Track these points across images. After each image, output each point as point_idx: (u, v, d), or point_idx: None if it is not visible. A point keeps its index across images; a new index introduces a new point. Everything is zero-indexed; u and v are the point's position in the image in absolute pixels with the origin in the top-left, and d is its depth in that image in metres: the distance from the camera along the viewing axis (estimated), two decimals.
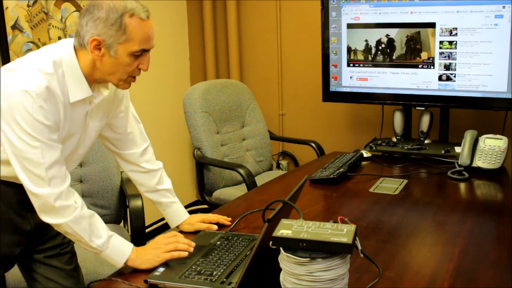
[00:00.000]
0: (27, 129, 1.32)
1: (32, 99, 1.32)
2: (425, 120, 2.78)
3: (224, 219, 1.78)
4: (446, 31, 2.61)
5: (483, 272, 1.40)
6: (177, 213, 1.78)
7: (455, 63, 2.62)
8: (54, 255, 1.69)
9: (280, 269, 1.17)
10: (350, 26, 2.85)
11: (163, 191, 1.76)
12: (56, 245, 1.69)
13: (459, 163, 2.34)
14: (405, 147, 2.68)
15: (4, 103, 1.32)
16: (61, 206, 1.39)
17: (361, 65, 2.86)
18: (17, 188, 1.45)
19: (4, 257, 1.55)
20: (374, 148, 2.71)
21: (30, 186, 1.37)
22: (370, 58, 2.83)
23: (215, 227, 1.74)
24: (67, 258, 1.72)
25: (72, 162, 1.58)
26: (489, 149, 2.33)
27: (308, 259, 1.10)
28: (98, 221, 1.47)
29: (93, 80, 1.46)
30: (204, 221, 1.76)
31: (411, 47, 2.72)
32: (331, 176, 2.22)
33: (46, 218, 1.41)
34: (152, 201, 1.79)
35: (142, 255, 1.47)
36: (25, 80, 1.33)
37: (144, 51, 1.43)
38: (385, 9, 2.75)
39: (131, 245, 1.50)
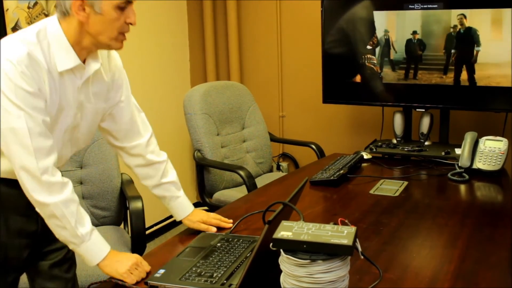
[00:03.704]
0: (10, 97, 1.31)
1: (13, 66, 1.30)
2: (425, 121, 2.78)
3: (226, 222, 1.77)
4: None
5: (483, 274, 1.40)
6: (181, 207, 1.77)
7: None
8: (58, 263, 1.67)
9: (281, 271, 1.17)
10: None
11: (167, 184, 1.74)
12: (61, 247, 1.67)
13: (459, 164, 2.34)
14: (405, 149, 2.68)
15: None
16: (48, 181, 1.36)
17: None
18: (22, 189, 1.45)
19: (14, 260, 1.54)
20: (374, 150, 2.71)
21: (16, 160, 1.35)
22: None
23: (214, 229, 1.73)
24: (67, 266, 1.70)
25: (70, 145, 1.55)
26: (489, 151, 2.33)
27: (309, 260, 1.10)
28: (84, 211, 1.45)
29: (82, 48, 1.42)
30: (205, 222, 1.75)
31: None
32: (331, 178, 2.22)
33: (35, 196, 1.37)
34: (156, 196, 1.77)
35: (115, 262, 1.43)
36: (6, 50, 1.33)
37: (128, 3, 1.40)
38: None
39: (109, 247, 1.47)
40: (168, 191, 1.75)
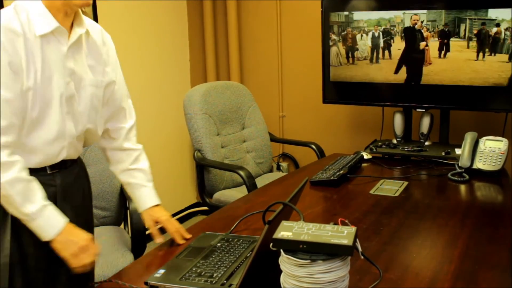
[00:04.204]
0: None
1: None
2: (425, 122, 2.78)
3: (181, 237, 1.66)
4: None
5: (483, 274, 1.40)
6: (145, 197, 1.72)
7: None
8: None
9: (281, 271, 1.17)
10: None
11: (136, 171, 1.72)
12: None
13: (460, 165, 2.34)
14: (406, 149, 2.68)
15: None
16: None
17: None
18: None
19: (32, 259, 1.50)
20: (375, 150, 2.71)
21: None
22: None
23: (159, 240, 1.67)
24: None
25: (72, 120, 1.51)
26: (489, 151, 2.33)
27: (309, 261, 1.10)
28: (36, 188, 1.42)
29: (58, 11, 1.41)
30: (164, 225, 1.68)
31: None
32: (332, 178, 2.22)
33: None
34: (122, 183, 1.75)
35: (68, 243, 1.42)
36: None
37: None
38: None
39: (63, 222, 1.44)
40: (135, 178, 1.72)
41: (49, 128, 1.45)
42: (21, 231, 1.46)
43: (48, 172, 1.51)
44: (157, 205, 1.74)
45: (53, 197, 1.51)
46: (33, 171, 1.44)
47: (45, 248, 1.46)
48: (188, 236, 1.69)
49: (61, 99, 1.46)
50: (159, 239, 1.68)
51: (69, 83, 1.48)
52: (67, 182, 1.57)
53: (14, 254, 1.46)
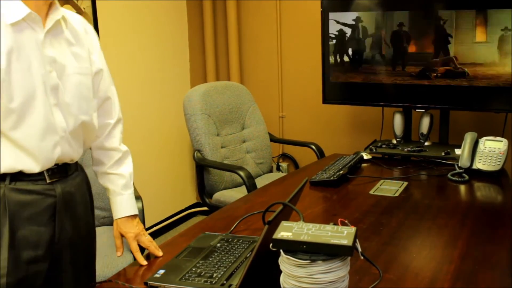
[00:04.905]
0: None
1: None
2: (425, 122, 2.78)
3: (142, 258, 1.55)
4: None
5: (483, 274, 1.40)
6: (120, 205, 1.61)
7: None
8: (81, 268, 1.57)
9: (280, 271, 1.17)
10: None
11: (114, 176, 1.63)
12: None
13: (459, 165, 2.34)
14: (405, 149, 2.68)
15: None
16: None
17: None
18: (30, 194, 1.39)
19: (32, 277, 1.42)
20: (374, 150, 2.71)
21: None
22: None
23: (119, 253, 1.61)
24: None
25: (61, 112, 1.43)
26: (489, 151, 2.33)
27: (308, 261, 1.10)
28: None
29: None
30: (138, 239, 1.60)
31: None
32: (331, 178, 2.22)
33: None
34: (102, 186, 1.66)
35: None
36: None
37: None
38: None
39: None
40: (112, 184, 1.63)
41: (36, 120, 1.36)
42: (19, 247, 1.38)
43: (48, 181, 1.43)
44: (131, 216, 1.62)
45: (51, 208, 1.44)
46: (31, 180, 1.39)
47: (43, 263, 1.42)
48: (159, 254, 1.57)
49: (46, 89, 1.38)
50: (119, 253, 1.61)
51: (51, 72, 1.40)
52: (68, 192, 1.48)
53: (10, 272, 1.37)
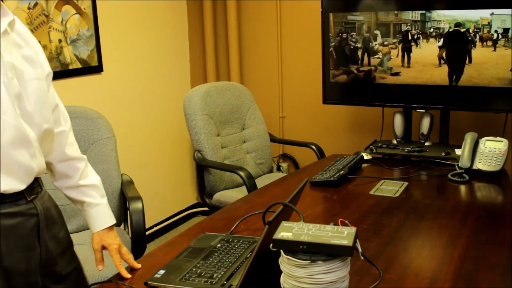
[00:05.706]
0: None
1: None
2: (426, 122, 2.78)
3: (126, 272, 1.47)
4: None
5: (483, 274, 1.40)
6: (99, 217, 1.55)
7: None
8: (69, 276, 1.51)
9: (281, 272, 1.17)
10: None
11: (86, 187, 1.53)
12: (70, 260, 1.52)
13: (460, 165, 2.34)
14: (406, 150, 2.68)
15: None
16: None
17: None
18: (20, 216, 1.31)
19: None
20: (375, 151, 2.71)
21: None
22: None
23: (100, 267, 1.53)
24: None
25: (26, 122, 1.30)
26: (489, 151, 2.33)
27: (309, 261, 1.10)
28: None
29: None
30: (120, 251, 1.54)
31: None
32: (332, 178, 2.22)
33: None
34: (72, 200, 1.56)
35: None
36: None
37: None
38: None
39: None
40: (88, 196, 1.54)
41: (9, 133, 1.24)
42: (10, 278, 1.30)
43: (28, 199, 1.32)
44: (110, 226, 1.57)
45: (36, 229, 1.35)
46: (12, 202, 1.28)
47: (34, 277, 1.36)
48: (137, 266, 1.51)
49: (11, 99, 1.26)
50: (100, 267, 1.54)
51: (12, 78, 1.27)
52: (47, 207, 1.40)
53: None
